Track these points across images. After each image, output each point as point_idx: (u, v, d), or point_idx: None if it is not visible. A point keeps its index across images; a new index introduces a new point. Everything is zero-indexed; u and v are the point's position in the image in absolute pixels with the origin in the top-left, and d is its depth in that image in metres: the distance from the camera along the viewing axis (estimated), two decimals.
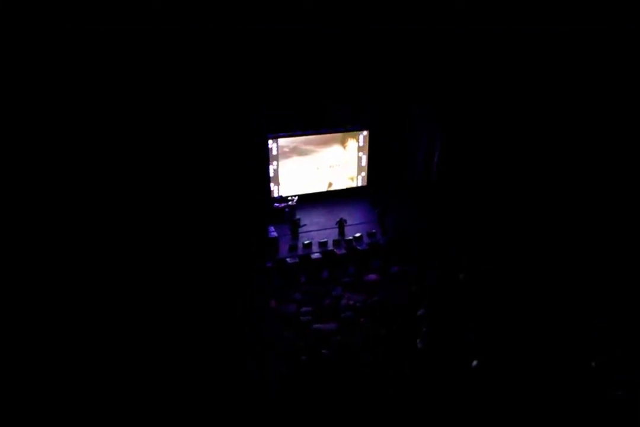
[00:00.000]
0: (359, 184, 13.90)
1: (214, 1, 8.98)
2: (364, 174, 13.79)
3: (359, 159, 13.57)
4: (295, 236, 11.63)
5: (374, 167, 13.64)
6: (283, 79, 10.50)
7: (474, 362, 6.07)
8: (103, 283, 8.99)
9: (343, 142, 13.24)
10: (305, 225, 11.84)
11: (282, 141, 12.51)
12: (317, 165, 13.23)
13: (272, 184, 12.82)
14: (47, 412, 6.40)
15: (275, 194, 12.90)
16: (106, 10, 8.27)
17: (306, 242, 11.19)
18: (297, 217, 12.24)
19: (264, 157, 12.26)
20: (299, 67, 10.41)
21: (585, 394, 5.69)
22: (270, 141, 12.32)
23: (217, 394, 6.77)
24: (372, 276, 10.13)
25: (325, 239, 11.28)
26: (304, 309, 9.31)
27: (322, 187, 13.59)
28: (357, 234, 11.45)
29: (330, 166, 13.40)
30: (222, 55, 9.67)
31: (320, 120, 12.72)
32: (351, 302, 9.41)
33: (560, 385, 5.86)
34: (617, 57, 9.32)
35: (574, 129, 10.09)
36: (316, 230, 11.95)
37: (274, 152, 12.54)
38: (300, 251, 11.08)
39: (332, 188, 13.71)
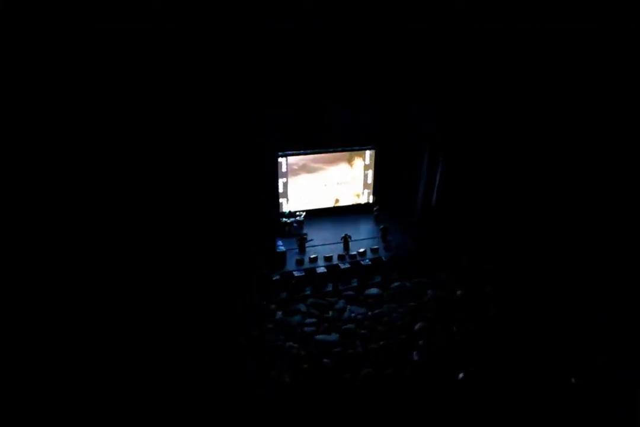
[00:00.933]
0: (365, 201, 14.34)
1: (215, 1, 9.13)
2: (369, 191, 14.24)
3: (365, 177, 14.02)
4: (302, 250, 12.05)
5: (379, 185, 14.08)
6: (287, 86, 10.67)
7: (460, 375, 6.42)
8: (114, 283, 9.28)
9: (350, 161, 13.72)
10: (312, 240, 12.28)
11: (291, 159, 13.00)
12: (324, 182, 13.68)
13: (281, 200, 13.29)
14: (46, 412, 6.49)
15: (284, 209, 13.35)
16: (106, 10, 8.42)
17: (312, 256, 11.61)
18: (305, 231, 12.73)
19: (274, 174, 12.75)
20: (303, 72, 10.57)
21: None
22: (280, 159, 12.82)
23: (217, 396, 7.02)
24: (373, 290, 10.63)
25: (331, 254, 11.69)
26: (308, 320, 9.77)
27: (329, 203, 14.04)
28: (361, 250, 11.85)
29: (337, 183, 13.84)
30: (228, 63, 9.91)
31: (327, 135, 12.93)
32: (353, 315, 9.84)
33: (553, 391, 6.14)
34: (619, 57, 9.48)
35: (574, 142, 10.29)
36: (322, 244, 12.37)
37: (284, 169, 13.02)
38: (306, 265, 11.49)
39: (339, 204, 14.15)
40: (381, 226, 12.76)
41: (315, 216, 13.63)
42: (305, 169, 13.30)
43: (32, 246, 8.88)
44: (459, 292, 10.00)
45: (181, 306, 9.20)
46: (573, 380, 5.90)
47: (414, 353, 8.16)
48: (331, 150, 13.39)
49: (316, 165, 13.40)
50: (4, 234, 8.56)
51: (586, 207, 10.24)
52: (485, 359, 7.00)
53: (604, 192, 10.12)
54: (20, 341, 7.55)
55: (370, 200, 14.29)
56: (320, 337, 9.06)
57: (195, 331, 8.64)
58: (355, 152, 13.66)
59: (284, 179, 13.13)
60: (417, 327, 9.00)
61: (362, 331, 9.11)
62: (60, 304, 8.57)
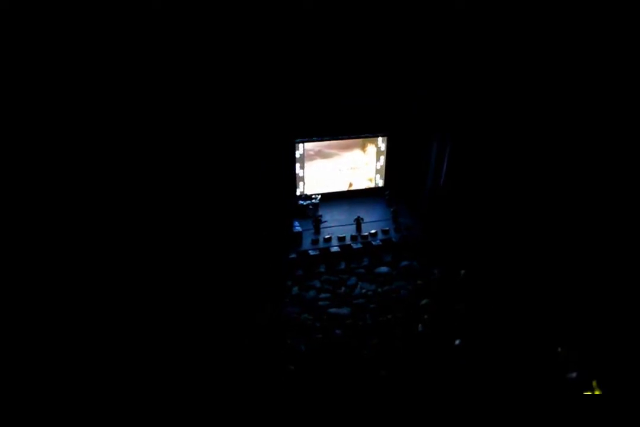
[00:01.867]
0: (377, 185, 14.77)
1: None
2: (381, 176, 14.66)
3: (377, 162, 14.43)
4: (317, 230, 12.58)
5: (390, 170, 14.47)
6: (306, 80, 11.06)
7: (457, 341, 6.97)
8: (149, 266, 9.80)
9: (363, 147, 14.12)
10: (326, 221, 12.82)
11: (307, 145, 13.44)
12: (339, 167, 14.11)
13: (298, 184, 13.80)
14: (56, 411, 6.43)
15: (300, 192, 13.88)
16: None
17: (327, 236, 12.15)
18: (320, 213, 13.24)
19: (292, 160, 13.26)
20: (320, 66, 10.91)
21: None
22: (297, 145, 13.30)
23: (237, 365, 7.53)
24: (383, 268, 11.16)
25: (344, 235, 12.20)
26: (322, 295, 10.37)
27: (343, 187, 14.48)
28: (373, 231, 12.35)
29: (351, 168, 14.27)
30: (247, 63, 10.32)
31: (342, 123, 13.16)
32: (363, 291, 10.41)
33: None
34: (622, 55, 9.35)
35: (583, 133, 10.18)
36: (336, 226, 12.87)
37: (301, 155, 13.51)
38: (321, 244, 12.03)
39: (353, 188, 14.59)
40: (392, 209, 13.22)
41: (331, 198, 14.11)
42: (320, 154, 13.75)
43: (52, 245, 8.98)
44: (462, 272, 10.49)
45: (205, 282, 9.78)
46: (559, 349, 6.37)
47: (419, 326, 8.73)
48: (346, 137, 13.74)
49: (331, 151, 13.83)
50: (5, 234, 8.52)
51: (592, 195, 10.24)
52: (481, 329, 7.52)
53: (612, 201, 10.01)
54: (27, 341, 7.51)
55: (382, 184, 14.72)
56: (333, 310, 9.63)
57: (217, 305, 9.22)
58: (368, 139, 14.04)
59: (301, 164, 13.63)
60: (422, 302, 9.53)
61: (372, 306, 9.68)
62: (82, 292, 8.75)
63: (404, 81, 11.86)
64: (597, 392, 5.80)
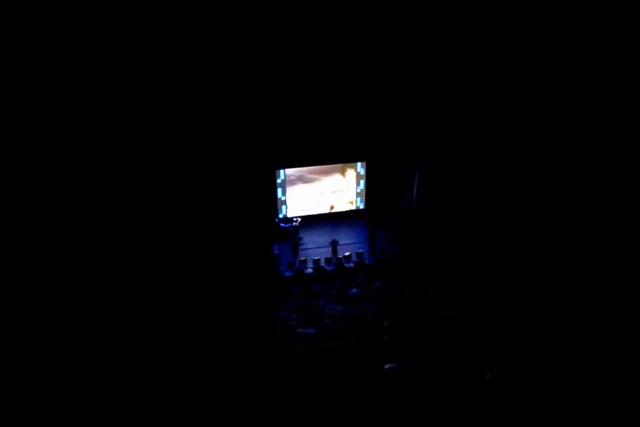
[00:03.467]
0: (358, 208, 15.25)
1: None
2: (361, 199, 15.15)
3: (357, 186, 14.95)
4: (295, 253, 13.02)
5: (370, 193, 14.99)
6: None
7: (387, 366, 7.33)
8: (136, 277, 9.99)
9: (343, 172, 14.64)
10: (303, 244, 13.30)
11: (288, 171, 13.99)
12: (320, 191, 14.65)
13: (280, 208, 14.31)
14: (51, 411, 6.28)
15: (281, 216, 14.36)
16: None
17: (302, 258, 12.54)
18: (300, 236, 13.72)
19: (273, 185, 13.84)
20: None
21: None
22: (278, 172, 13.85)
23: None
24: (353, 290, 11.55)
25: (319, 257, 12.60)
26: (293, 315, 10.78)
27: (324, 210, 14.98)
28: (347, 253, 12.73)
29: (331, 192, 14.78)
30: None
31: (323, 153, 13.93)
32: (331, 312, 10.80)
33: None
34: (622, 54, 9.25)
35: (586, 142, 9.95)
36: (314, 248, 13.31)
37: (282, 180, 14.06)
38: (297, 266, 12.37)
39: (334, 210, 15.10)
40: (368, 231, 13.67)
41: (312, 221, 14.59)
42: (301, 179, 14.30)
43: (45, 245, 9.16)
44: (430, 293, 10.84)
45: (195, 306, 9.78)
46: (488, 376, 6.56)
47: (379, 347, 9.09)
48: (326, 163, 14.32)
49: (312, 176, 14.38)
50: (4, 234, 8.60)
51: (577, 217, 10.10)
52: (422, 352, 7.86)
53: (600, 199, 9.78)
54: (20, 341, 7.49)
55: (363, 207, 15.20)
56: (300, 330, 10.01)
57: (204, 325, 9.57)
58: (348, 164, 14.59)
59: (282, 189, 14.15)
60: (385, 324, 9.90)
61: (337, 326, 10.06)
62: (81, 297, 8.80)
63: (403, 83, 12.14)
64: None
